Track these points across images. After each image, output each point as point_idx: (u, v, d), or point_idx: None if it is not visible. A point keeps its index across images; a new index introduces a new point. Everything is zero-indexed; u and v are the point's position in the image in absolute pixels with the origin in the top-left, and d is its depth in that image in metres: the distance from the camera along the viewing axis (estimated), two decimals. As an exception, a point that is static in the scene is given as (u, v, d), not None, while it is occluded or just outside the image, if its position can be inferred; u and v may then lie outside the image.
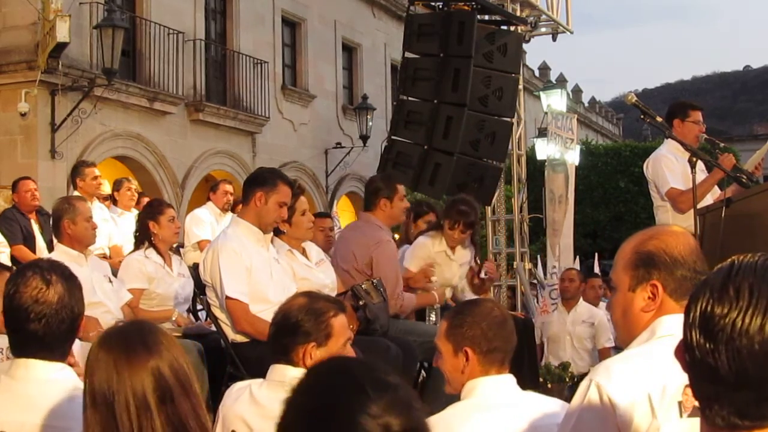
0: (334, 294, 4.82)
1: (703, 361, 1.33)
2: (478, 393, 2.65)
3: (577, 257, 11.85)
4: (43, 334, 2.40)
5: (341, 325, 2.99)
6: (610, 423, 2.03)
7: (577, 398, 2.10)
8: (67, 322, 2.42)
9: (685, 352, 1.40)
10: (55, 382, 2.39)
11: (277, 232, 4.98)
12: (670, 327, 2.10)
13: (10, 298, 2.44)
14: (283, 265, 4.82)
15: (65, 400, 2.35)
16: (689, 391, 1.95)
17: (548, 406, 2.62)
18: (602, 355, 8.10)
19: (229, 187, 8.15)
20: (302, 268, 4.98)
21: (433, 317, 5.35)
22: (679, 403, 2.01)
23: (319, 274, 5.03)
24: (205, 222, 7.74)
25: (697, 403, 1.94)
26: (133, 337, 2.00)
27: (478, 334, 2.67)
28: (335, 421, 1.36)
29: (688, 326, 1.36)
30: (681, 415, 2.00)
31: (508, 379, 2.70)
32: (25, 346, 2.44)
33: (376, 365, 1.48)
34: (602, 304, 8.71)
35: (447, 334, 2.75)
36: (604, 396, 2.04)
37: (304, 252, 5.11)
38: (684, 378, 1.95)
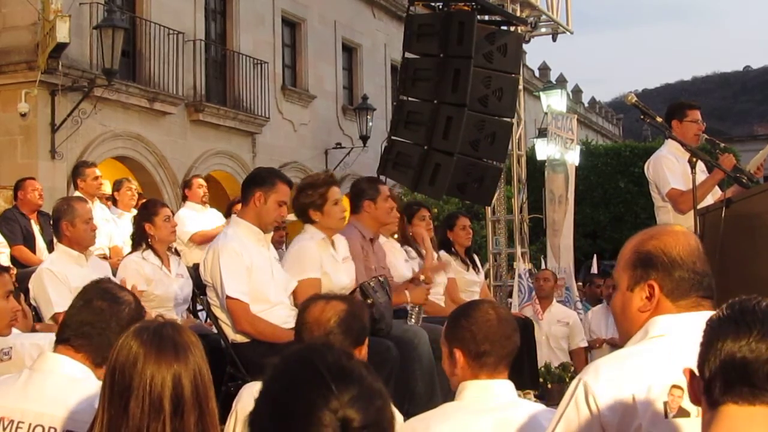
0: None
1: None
2: (465, 396, 2.63)
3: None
4: (90, 321, 2.53)
5: None
6: (594, 422, 2.04)
7: (565, 397, 2.12)
8: (106, 338, 2.49)
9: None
10: (77, 381, 2.45)
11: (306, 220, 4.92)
12: (663, 327, 2.11)
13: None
14: (314, 252, 4.76)
15: (83, 397, 2.39)
16: (675, 391, 1.96)
17: (539, 415, 2.56)
18: (575, 355, 8.12)
19: (202, 181, 8.30)
20: (330, 261, 4.85)
21: (413, 319, 5.18)
22: (665, 403, 2.00)
23: (341, 274, 4.88)
24: (187, 219, 7.73)
25: (683, 404, 1.96)
26: (167, 336, 2.00)
27: (468, 337, 2.64)
28: (295, 412, 1.37)
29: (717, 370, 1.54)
30: (666, 416, 2.00)
31: (500, 385, 2.64)
32: (67, 327, 2.55)
33: (343, 354, 1.48)
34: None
35: (444, 335, 2.74)
36: (589, 395, 2.05)
37: (333, 245, 5.03)
38: (670, 378, 1.97)
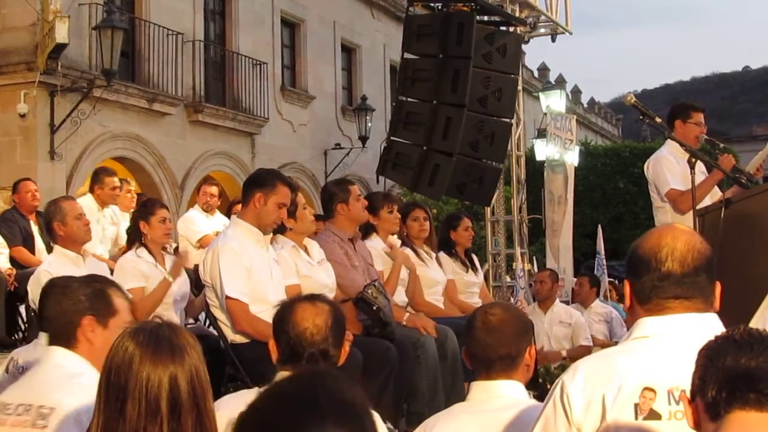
0: (332, 295, 4.82)
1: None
2: (470, 396, 2.71)
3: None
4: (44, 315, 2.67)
5: None
6: (567, 422, 2.04)
7: (548, 395, 2.13)
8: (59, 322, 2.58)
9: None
10: (61, 366, 2.50)
11: (282, 230, 4.98)
12: (648, 329, 2.08)
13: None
14: (288, 260, 4.81)
15: (62, 381, 2.42)
16: (648, 393, 1.95)
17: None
18: (577, 355, 8.11)
19: (209, 189, 8.22)
20: (305, 265, 4.96)
21: None
22: (636, 405, 1.98)
23: (320, 274, 5.01)
24: (197, 220, 7.92)
25: (654, 406, 1.95)
26: (163, 336, 1.98)
27: (467, 338, 2.75)
28: None
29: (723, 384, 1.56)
30: (636, 417, 1.98)
31: (504, 385, 2.66)
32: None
33: (347, 389, 1.38)
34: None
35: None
36: (564, 395, 2.06)
37: (306, 251, 5.10)
38: (644, 380, 1.96)
